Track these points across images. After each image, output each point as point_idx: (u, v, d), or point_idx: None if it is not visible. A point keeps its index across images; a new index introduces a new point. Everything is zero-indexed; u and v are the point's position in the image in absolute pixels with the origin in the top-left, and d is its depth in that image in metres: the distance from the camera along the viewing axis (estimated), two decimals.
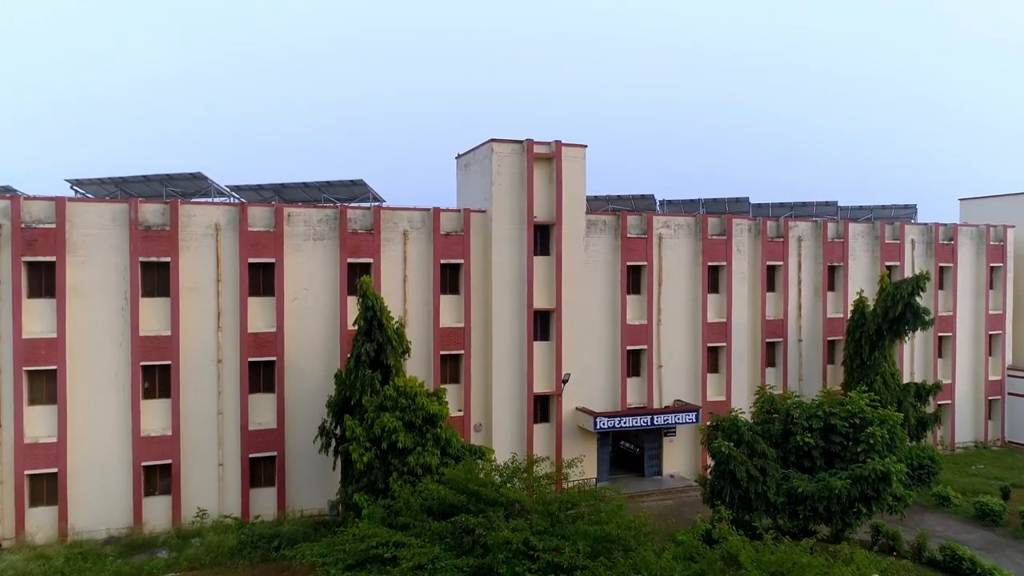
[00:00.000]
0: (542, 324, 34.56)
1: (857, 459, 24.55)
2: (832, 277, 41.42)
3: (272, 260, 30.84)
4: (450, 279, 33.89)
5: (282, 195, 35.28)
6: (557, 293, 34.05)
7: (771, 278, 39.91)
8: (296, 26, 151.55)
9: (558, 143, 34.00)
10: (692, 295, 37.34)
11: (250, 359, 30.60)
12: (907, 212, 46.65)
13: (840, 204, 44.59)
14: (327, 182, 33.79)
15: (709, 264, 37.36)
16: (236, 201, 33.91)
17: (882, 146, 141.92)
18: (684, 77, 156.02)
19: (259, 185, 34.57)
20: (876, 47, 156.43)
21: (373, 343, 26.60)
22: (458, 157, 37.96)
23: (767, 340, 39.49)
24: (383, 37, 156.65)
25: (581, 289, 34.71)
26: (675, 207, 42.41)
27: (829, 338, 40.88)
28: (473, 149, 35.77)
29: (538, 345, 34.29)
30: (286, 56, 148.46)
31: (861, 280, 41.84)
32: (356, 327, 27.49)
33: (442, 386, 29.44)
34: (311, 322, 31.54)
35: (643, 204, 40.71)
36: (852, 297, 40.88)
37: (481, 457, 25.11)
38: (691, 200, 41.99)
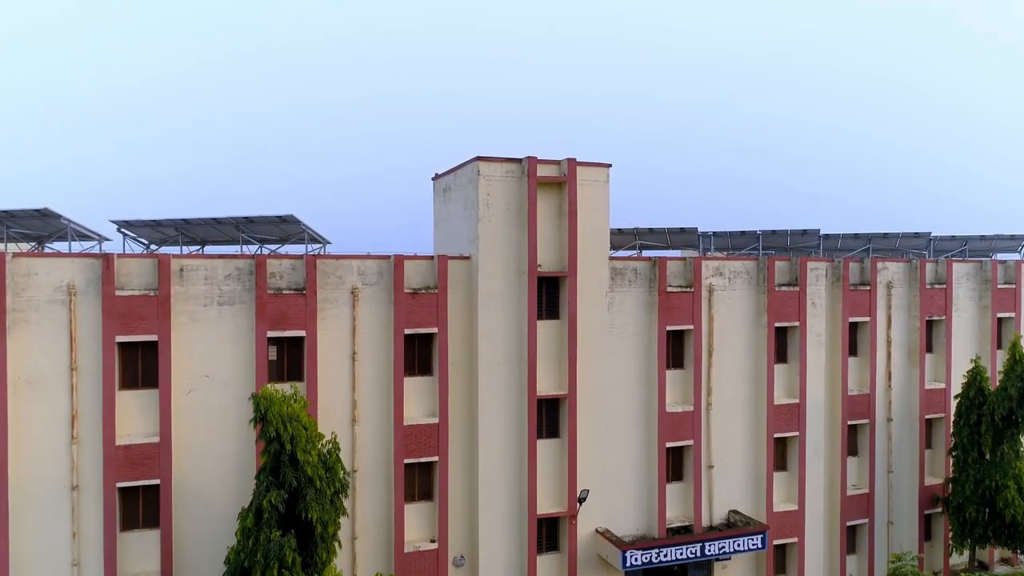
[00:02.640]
0: (549, 416, 24.71)
1: None
2: (930, 335, 31.48)
3: (154, 337, 21.05)
4: (419, 356, 24.07)
5: (187, 235, 25.45)
6: (570, 372, 24.21)
7: (853, 338, 30.00)
8: (266, 38, 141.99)
9: (571, 162, 24.15)
10: (753, 368, 27.43)
11: (121, 483, 20.83)
12: (1012, 243, 36.70)
13: (933, 233, 34.59)
14: (246, 218, 23.96)
15: (776, 325, 27.44)
16: (100, 252, 24.11)
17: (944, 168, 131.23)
18: (694, 77, 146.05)
19: (155, 222, 24.74)
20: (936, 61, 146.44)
21: (284, 489, 16.81)
22: (435, 178, 28.14)
23: (849, 422, 29.58)
24: (381, 39, 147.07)
25: (603, 365, 24.87)
26: (722, 240, 32.56)
27: (927, 416, 30.95)
28: (454, 169, 25.94)
29: (544, 446, 24.44)
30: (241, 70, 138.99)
31: (966, 338, 31.94)
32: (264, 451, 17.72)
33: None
34: (215, 424, 21.74)
35: (681, 239, 30.88)
36: (956, 361, 31.01)
37: None
38: (742, 232, 32.14)
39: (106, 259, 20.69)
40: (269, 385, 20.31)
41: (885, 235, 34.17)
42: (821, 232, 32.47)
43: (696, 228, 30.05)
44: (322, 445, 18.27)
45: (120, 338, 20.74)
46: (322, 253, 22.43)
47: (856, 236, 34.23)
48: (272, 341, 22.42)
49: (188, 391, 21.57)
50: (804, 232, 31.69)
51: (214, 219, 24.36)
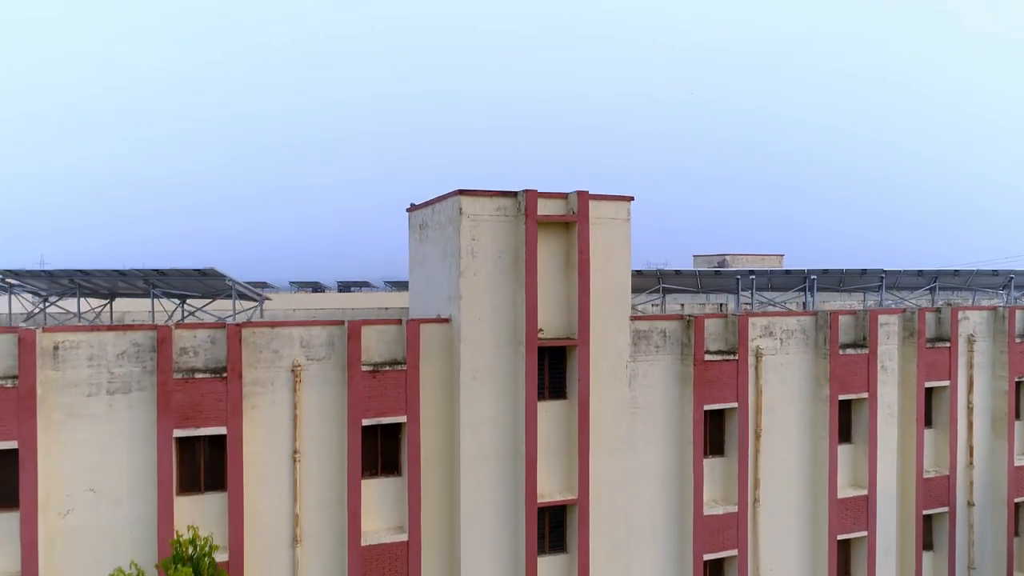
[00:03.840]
0: (554, 527, 19.03)
1: None
2: (1018, 399, 25.77)
3: (13, 444, 15.40)
4: (383, 452, 18.42)
5: (87, 287, 19.74)
6: (581, 469, 18.54)
7: (928, 407, 24.31)
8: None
9: (582, 196, 18.49)
10: (810, 452, 21.76)
11: None
12: None
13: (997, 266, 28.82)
14: (157, 271, 18.27)
15: (841, 397, 21.75)
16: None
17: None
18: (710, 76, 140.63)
19: (46, 272, 19.06)
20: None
21: None
22: (410, 210, 22.51)
23: (924, 511, 23.88)
24: (380, 40, 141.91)
25: (623, 457, 19.21)
26: (762, 281, 26.82)
27: (1016, 499, 25.25)
28: (431, 203, 20.30)
29: (547, 565, 18.75)
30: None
31: None
32: None
33: None
34: (103, 555, 16.08)
35: (716, 283, 25.18)
36: None
37: None
38: (786, 272, 26.37)
39: None
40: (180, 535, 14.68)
41: (956, 272, 28.46)
42: (881, 271, 26.73)
43: (734, 270, 24.35)
44: None
45: None
46: (247, 323, 16.79)
47: (919, 273, 28.50)
48: (183, 442, 16.77)
49: (65, 512, 15.92)
50: (863, 272, 25.95)
51: (118, 271, 18.66)
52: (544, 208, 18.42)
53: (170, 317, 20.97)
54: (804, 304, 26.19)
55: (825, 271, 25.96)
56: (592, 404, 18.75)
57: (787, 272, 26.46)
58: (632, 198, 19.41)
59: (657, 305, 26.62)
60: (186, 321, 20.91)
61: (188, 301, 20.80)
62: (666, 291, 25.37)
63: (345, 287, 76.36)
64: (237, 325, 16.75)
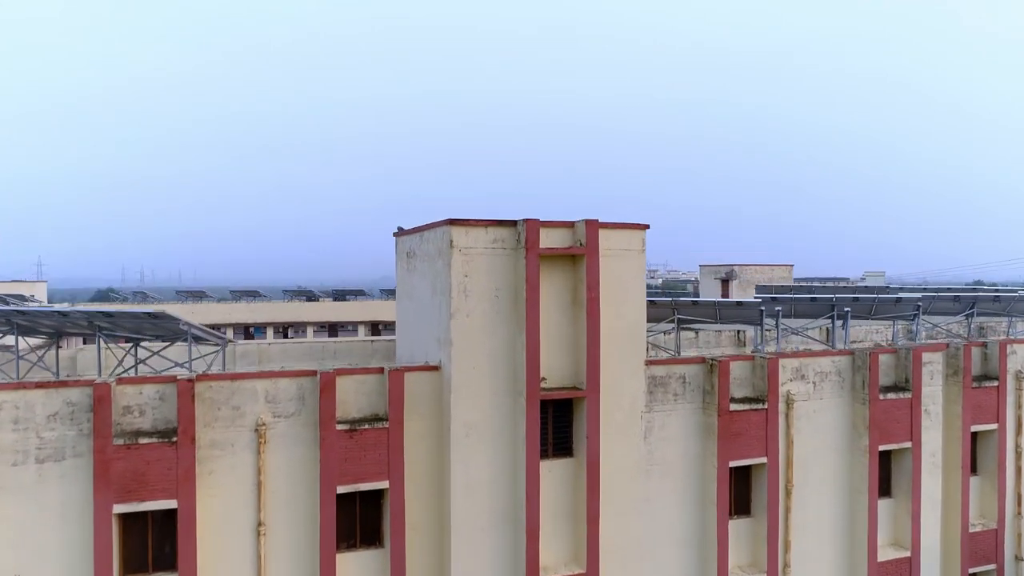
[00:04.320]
0: None
1: None
2: None
3: None
4: (362, 521, 16.04)
5: (25, 328, 17.30)
6: (590, 536, 16.14)
7: (974, 454, 21.94)
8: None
9: (591, 226, 16.10)
10: (846, 508, 19.37)
11: None
12: None
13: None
14: (104, 312, 15.77)
15: (881, 448, 19.33)
16: None
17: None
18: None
19: None
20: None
21: None
22: (397, 235, 20.14)
23: (970, 570, 21.49)
24: (377, 40, 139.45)
25: (638, 520, 16.82)
26: (785, 308, 24.33)
27: None
28: (419, 230, 17.93)
29: None
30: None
31: None
32: None
33: None
34: None
35: (738, 314, 22.72)
36: None
37: None
38: (811, 299, 23.88)
39: None
40: None
41: (996, 297, 26.05)
42: (916, 299, 24.28)
43: (757, 300, 21.93)
44: None
45: None
46: (202, 375, 14.41)
47: (955, 299, 26.09)
48: (126, 519, 14.39)
49: None
50: (898, 300, 23.51)
51: (59, 311, 16.24)
52: (547, 239, 16.04)
53: (120, 363, 18.57)
54: (830, 335, 23.79)
55: (855, 298, 23.52)
56: (603, 462, 16.37)
57: (813, 300, 24.03)
58: (647, 226, 17.04)
59: (670, 334, 24.22)
60: (140, 369, 18.50)
61: (143, 344, 18.41)
62: (681, 322, 22.96)
63: (340, 295, 74.05)
64: (190, 380, 14.35)
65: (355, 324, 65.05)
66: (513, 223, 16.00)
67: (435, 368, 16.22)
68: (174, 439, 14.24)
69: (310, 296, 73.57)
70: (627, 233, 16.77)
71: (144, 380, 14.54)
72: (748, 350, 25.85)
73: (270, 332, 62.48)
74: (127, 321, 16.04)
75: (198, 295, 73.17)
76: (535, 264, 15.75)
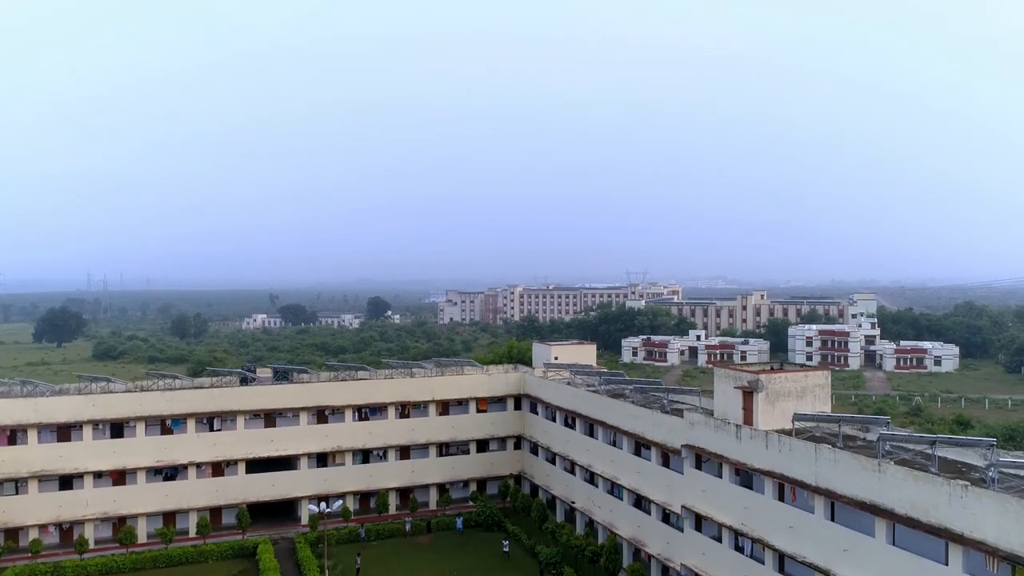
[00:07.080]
0: None
1: None
2: None
3: None
4: None
5: None
6: None
7: None
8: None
9: None
10: None
11: None
12: None
13: None
14: None
15: None
16: None
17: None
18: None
19: None
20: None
21: None
22: None
23: None
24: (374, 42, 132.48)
25: None
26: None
27: None
28: None
29: None
30: None
31: None
32: None
33: None
34: None
35: None
36: None
37: None
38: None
39: None
40: None
41: None
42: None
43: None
44: None
45: None
46: None
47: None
48: None
49: None
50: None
51: None
52: None
53: None
54: None
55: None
56: None
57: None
58: None
59: None
60: None
61: None
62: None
63: (282, 375, 61.55)
64: None
65: (295, 411, 55.28)
66: None
67: None
68: None
69: (244, 379, 62.93)
70: None
71: None
72: None
73: (191, 424, 52.05)
74: None
75: (104, 380, 61.56)
76: None
